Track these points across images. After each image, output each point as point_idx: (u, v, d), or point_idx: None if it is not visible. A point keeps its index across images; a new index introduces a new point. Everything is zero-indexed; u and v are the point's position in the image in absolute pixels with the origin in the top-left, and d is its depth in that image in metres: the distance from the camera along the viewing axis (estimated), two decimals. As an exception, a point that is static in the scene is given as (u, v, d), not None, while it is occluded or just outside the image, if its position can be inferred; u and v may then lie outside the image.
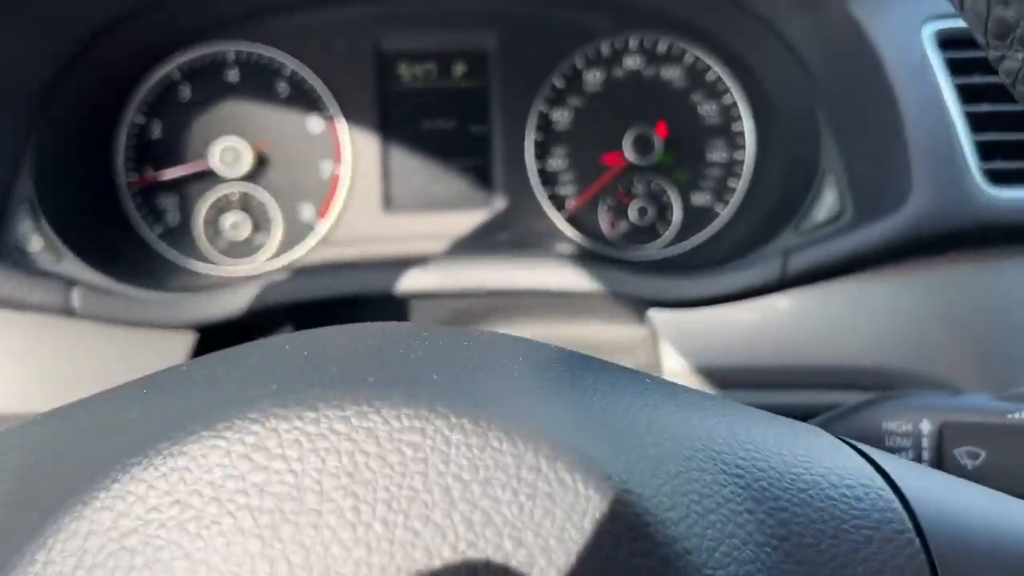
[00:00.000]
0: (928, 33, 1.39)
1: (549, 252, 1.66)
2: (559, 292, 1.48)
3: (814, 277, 1.38)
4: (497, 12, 1.82)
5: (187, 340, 1.45)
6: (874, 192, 1.40)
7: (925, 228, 1.31)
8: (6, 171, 1.48)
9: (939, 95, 1.35)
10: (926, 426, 0.93)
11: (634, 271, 1.48)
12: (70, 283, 1.41)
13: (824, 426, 0.99)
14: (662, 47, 1.83)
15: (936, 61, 1.38)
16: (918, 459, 0.93)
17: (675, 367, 1.45)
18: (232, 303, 1.44)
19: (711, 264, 1.57)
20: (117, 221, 1.76)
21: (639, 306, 1.49)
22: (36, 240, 1.48)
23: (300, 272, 1.49)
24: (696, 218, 1.84)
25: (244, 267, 1.81)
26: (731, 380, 1.43)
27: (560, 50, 1.82)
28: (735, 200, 1.82)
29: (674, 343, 1.45)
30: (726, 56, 1.80)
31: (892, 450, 0.95)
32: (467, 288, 1.48)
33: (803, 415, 1.45)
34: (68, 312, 1.39)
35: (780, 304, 1.42)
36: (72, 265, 1.48)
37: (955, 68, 1.38)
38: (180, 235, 1.81)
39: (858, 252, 1.34)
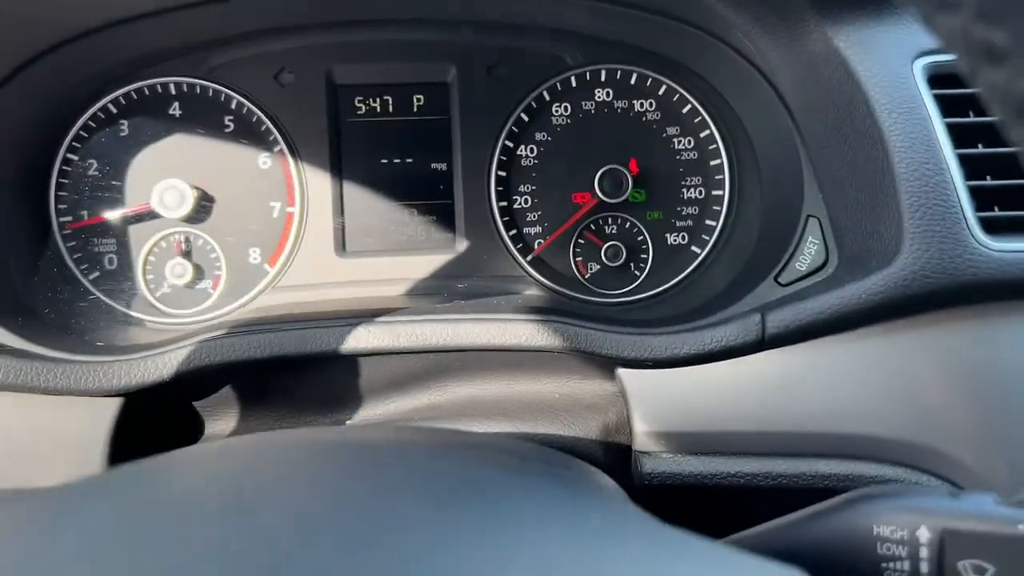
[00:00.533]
0: (919, 68, 1.28)
1: (513, 303, 1.54)
2: (524, 349, 1.36)
3: (796, 337, 1.27)
4: (457, 42, 1.70)
5: (111, 408, 1.32)
6: (861, 241, 1.29)
7: (917, 284, 1.19)
8: None
9: (931, 136, 1.24)
10: (924, 534, 0.82)
11: (604, 324, 1.36)
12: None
13: (810, 525, 0.87)
14: (634, 79, 1.71)
15: (928, 99, 1.27)
16: (915, 572, 0.81)
17: (646, 429, 1.33)
18: (159, 368, 1.32)
19: (688, 313, 1.46)
20: (50, 266, 1.63)
21: (609, 362, 1.37)
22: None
23: (241, 328, 1.37)
24: (671, 259, 1.73)
25: (185, 316, 1.68)
26: (707, 447, 1.32)
27: (525, 82, 1.71)
28: (712, 240, 1.71)
29: (645, 404, 1.33)
30: (701, 88, 1.69)
31: (886, 559, 0.83)
32: (425, 346, 1.35)
33: (785, 488, 1.34)
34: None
35: (759, 364, 1.30)
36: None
37: (948, 106, 1.27)
38: (118, 281, 1.68)
39: (844, 311, 1.23)
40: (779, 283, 1.38)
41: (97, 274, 1.67)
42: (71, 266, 1.66)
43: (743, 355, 1.29)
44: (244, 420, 1.50)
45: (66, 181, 1.66)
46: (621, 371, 1.35)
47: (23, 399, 1.30)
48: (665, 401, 1.33)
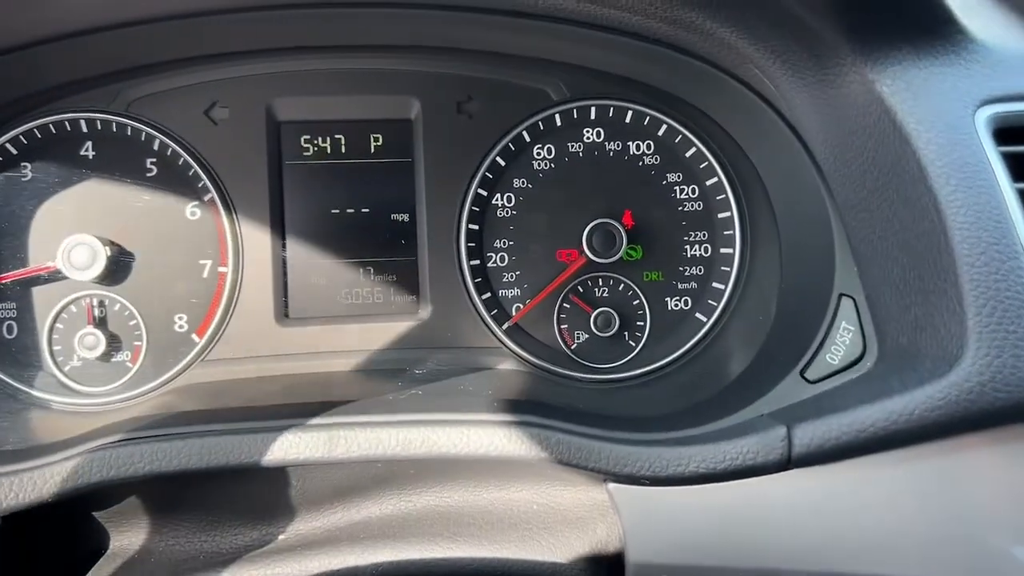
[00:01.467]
0: (983, 120, 1.03)
1: (484, 390, 1.29)
2: (497, 459, 1.10)
3: (829, 457, 1.01)
4: (422, 72, 1.45)
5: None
6: (909, 334, 1.03)
7: (987, 399, 0.94)
8: None
9: (1000, 207, 0.98)
10: None
11: (593, 429, 1.09)
12: None
13: None
14: (629, 117, 1.46)
15: (994, 158, 1.01)
16: None
17: (642, 561, 1.08)
18: (37, 486, 1.05)
19: (694, 408, 1.20)
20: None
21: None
22: None
23: (144, 433, 1.10)
24: (671, 328, 1.47)
25: (98, 396, 1.42)
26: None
27: (502, 120, 1.45)
28: (720, 306, 1.45)
29: (643, 531, 1.09)
30: (708, 129, 1.44)
31: None
32: (372, 456, 1.09)
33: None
34: None
35: (781, 486, 1.05)
36: None
37: (1020, 167, 1.02)
38: (18, 353, 1.42)
39: (890, 428, 0.97)
40: (806, 379, 1.12)
41: (-7, 345, 1.41)
42: (-39, 336, 1.40)
43: (763, 475, 1.03)
44: (156, 533, 1.25)
45: (-43, 235, 1.40)
46: (613, 487, 1.10)
47: None
48: (667, 528, 1.08)
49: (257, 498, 1.25)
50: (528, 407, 1.17)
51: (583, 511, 1.21)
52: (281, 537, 1.24)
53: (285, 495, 1.24)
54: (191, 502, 1.25)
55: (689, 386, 1.37)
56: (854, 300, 1.14)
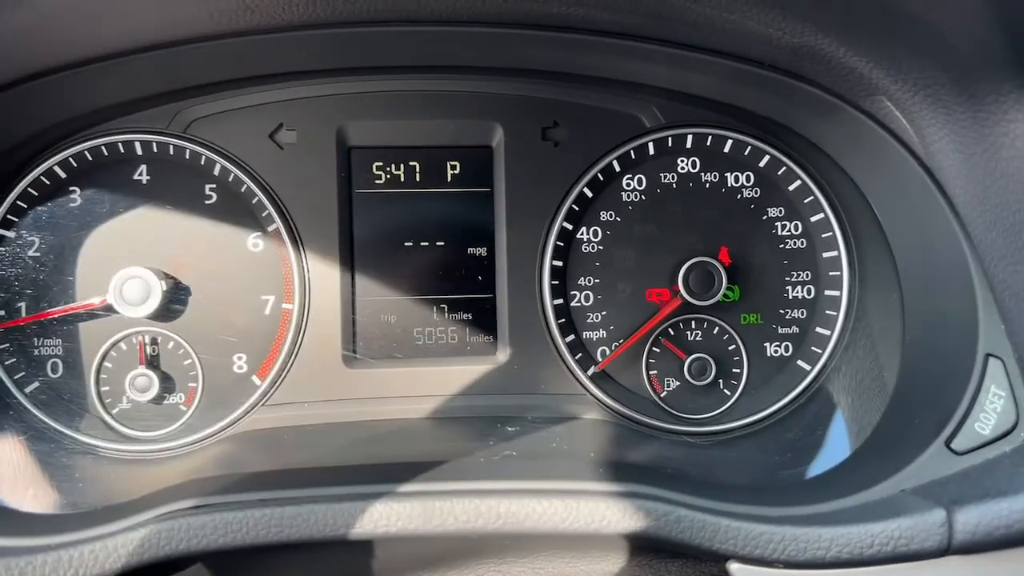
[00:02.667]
0: None
1: (581, 454, 1.17)
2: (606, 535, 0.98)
3: (995, 545, 0.90)
4: (506, 96, 1.33)
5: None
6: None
7: None
8: None
9: None
10: None
11: (712, 502, 0.98)
12: None
13: None
14: (728, 146, 1.35)
15: None
16: None
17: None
18: (100, 561, 0.94)
19: (816, 482, 1.09)
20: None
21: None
22: None
23: (216, 502, 0.98)
24: (771, 376, 1.36)
25: (150, 443, 1.31)
26: None
27: (591, 147, 1.34)
28: (826, 354, 1.34)
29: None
30: (814, 160, 1.33)
31: None
32: (482, 530, 0.98)
33: None
34: None
35: (934, 573, 0.93)
36: None
37: None
38: (63, 394, 1.31)
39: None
40: (952, 450, 1.01)
41: (36, 385, 1.30)
42: (1, 376, 1.28)
43: (915, 561, 0.92)
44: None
45: (-1, 265, 1.29)
46: (735, 567, 0.98)
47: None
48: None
49: (334, 567, 1.13)
50: (635, 473, 1.06)
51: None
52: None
53: (366, 564, 1.13)
54: (259, 570, 1.13)
55: (798, 445, 1.26)
56: (1003, 362, 1.02)
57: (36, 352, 1.31)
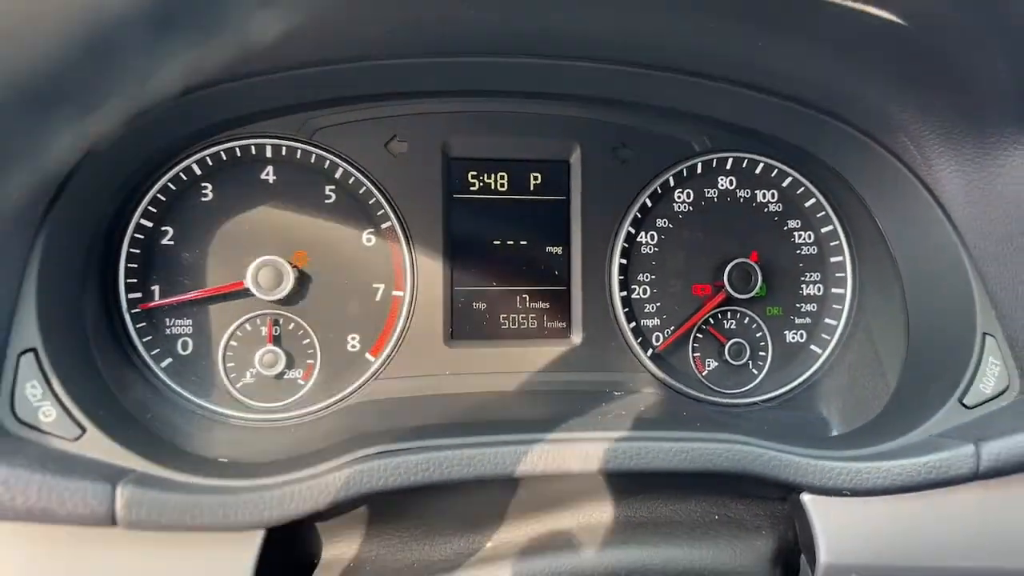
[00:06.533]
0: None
1: (662, 413, 1.43)
2: (707, 472, 1.24)
3: (1013, 469, 1.21)
4: (584, 119, 1.58)
5: (254, 542, 1.11)
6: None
7: None
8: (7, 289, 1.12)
9: None
10: None
11: (784, 445, 1.26)
12: (110, 480, 1.04)
13: None
14: (759, 168, 1.64)
15: None
16: None
17: (833, 562, 1.24)
18: (315, 496, 1.11)
19: (859, 432, 1.38)
20: (117, 354, 1.39)
21: (788, 488, 1.27)
22: (48, 409, 1.11)
23: (401, 447, 1.17)
24: (790, 358, 1.66)
25: (273, 412, 1.47)
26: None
27: (652, 165, 1.60)
28: (833, 340, 1.65)
29: (836, 536, 1.24)
30: (828, 182, 1.63)
31: None
32: (614, 468, 1.20)
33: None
34: (110, 522, 1.02)
35: (966, 495, 1.23)
36: (98, 444, 1.11)
37: None
38: (193, 369, 1.45)
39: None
40: (964, 405, 1.32)
41: (169, 360, 1.44)
42: (141, 351, 1.42)
43: (952, 485, 1.22)
44: (368, 542, 1.31)
45: (137, 251, 1.42)
46: (807, 498, 1.26)
47: (150, 537, 1.07)
48: (859, 533, 1.24)
49: (464, 508, 1.34)
50: (715, 427, 1.32)
51: (762, 523, 1.36)
52: (489, 545, 1.34)
53: (491, 505, 1.33)
54: (406, 513, 1.32)
55: (820, 413, 1.55)
56: (995, 338, 1.35)
57: (168, 331, 1.45)
